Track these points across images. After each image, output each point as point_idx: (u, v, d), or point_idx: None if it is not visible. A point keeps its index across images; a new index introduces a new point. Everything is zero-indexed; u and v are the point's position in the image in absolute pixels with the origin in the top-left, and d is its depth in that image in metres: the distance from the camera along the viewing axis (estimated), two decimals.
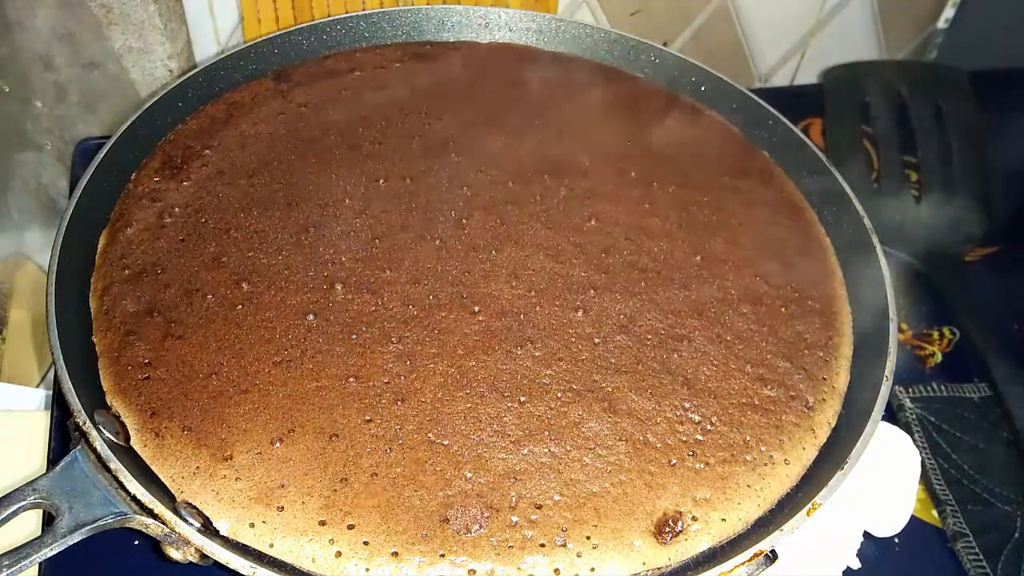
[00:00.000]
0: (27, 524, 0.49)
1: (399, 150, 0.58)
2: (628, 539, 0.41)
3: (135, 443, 0.42)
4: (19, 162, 0.81)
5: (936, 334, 0.66)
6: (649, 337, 0.49)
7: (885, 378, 0.47)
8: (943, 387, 0.61)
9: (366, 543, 0.40)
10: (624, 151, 0.60)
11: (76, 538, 0.38)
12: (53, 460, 0.51)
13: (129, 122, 0.55)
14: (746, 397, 0.47)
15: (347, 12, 0.68)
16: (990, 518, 0.55)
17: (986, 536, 0.54)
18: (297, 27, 0.65)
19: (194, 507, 0.40)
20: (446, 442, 0.43)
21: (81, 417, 0.41)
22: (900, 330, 0.65)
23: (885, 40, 0.97)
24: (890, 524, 0.53)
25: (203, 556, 0.39)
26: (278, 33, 0.64)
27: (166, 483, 0.41)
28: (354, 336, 0.47)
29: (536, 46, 0.69)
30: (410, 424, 0.43)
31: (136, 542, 0.49)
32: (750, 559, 0.40)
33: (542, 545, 0.40)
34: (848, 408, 0.48)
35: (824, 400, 0.48)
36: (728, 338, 0.49)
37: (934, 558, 0.54)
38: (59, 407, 0.55)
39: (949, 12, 0.96)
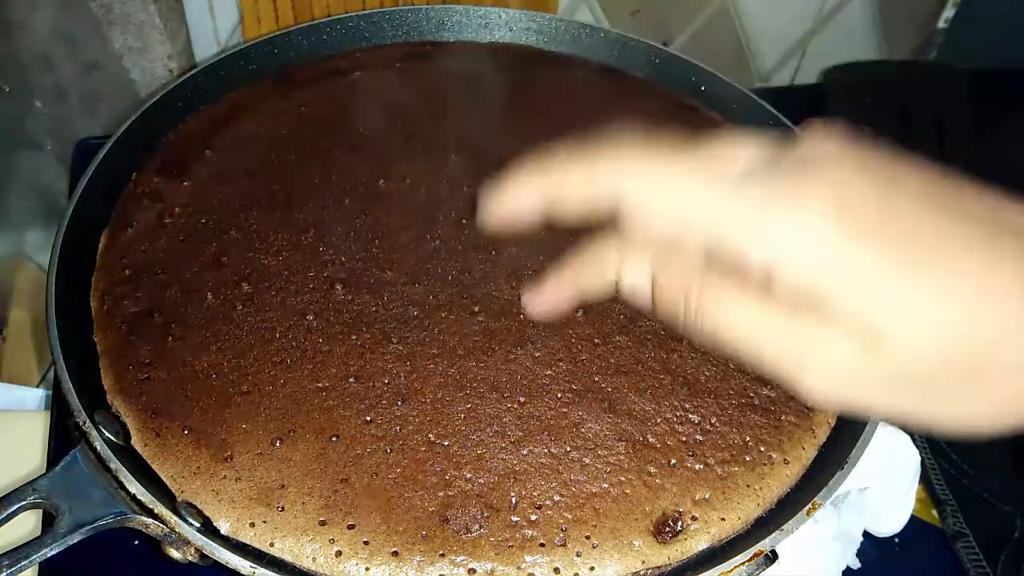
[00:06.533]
0: (27, 524, 0.49)
1: (399, 150, 0.58)
2: (627, 539, 0.41)
3: (135, 443, 0.42)
4: (19, 162, 0.81)
5: None
6: (649, 337, 0.49)
7: None
8: None
9: (366, 543, 0.40)
10: None
11: (76, 538, 0.38)
12: (53, 460, 0.51)
13: (129, 122, 0.55)
14: (746, 397, 0.47)
15: (347, 12, 0.68)
16: (990, 518, 0.55)
17: (986, 536, 0.54)
18: (297, 27, 0.65)
19: (194, 507, 0.40)
20: (446, 442, 0.43)
21: (81, 417, 0.41)
22: None
23: (885, 40, 0.97)
24: (890, 524, 0.53)
25: (203, 556, 0.39)
26: (278, 33, 0.64)
27: (166, 483, 0.41)
28: (354, 336, 0.47)
29: (536, 46, 0.69)
30: (410, 424, 0.43)
31: (136, 542, 0.49)
32: (750, 559, 0.40)
33: (542, 545, 0.40)
34: None
35: None
36: None
37: (934, 558, 0.54)
38: (59, 407, 0.55)
39: (949, 12, 0.96)
